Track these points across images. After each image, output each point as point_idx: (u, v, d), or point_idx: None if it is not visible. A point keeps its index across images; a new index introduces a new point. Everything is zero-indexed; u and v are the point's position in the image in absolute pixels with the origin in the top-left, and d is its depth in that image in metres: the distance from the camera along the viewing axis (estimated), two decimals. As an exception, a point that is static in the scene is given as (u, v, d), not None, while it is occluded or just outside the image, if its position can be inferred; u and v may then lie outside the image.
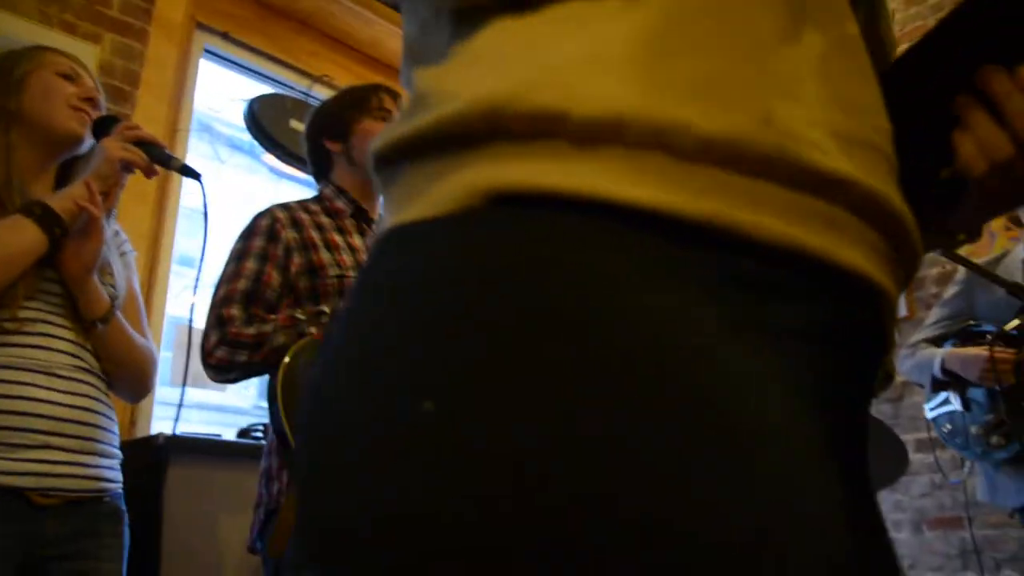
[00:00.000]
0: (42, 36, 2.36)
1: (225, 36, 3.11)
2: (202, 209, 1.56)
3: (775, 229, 0.39)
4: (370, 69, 3.48)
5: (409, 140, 0.46)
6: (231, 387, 2.99)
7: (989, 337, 2.04)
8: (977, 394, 2.14)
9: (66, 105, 1.41)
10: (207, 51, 3.10)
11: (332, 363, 0.43)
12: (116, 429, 1.46)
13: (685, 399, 0.36)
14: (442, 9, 0.49)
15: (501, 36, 0.45)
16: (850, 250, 0.41)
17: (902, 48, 0.57)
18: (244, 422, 2.38)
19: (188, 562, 1.85)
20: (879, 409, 3.14)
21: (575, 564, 0.33)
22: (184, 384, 1.58)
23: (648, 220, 0.38)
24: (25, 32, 2.34)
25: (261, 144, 3.03)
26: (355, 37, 3.50)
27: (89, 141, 1.46)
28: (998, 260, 2.19)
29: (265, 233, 1.67)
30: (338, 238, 1.72)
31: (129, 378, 1.47)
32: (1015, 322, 1.99)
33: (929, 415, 2.28)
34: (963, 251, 2.21)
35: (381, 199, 1.65)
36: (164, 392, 2.63)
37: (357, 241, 1.75)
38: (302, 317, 1.58)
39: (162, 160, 1.46)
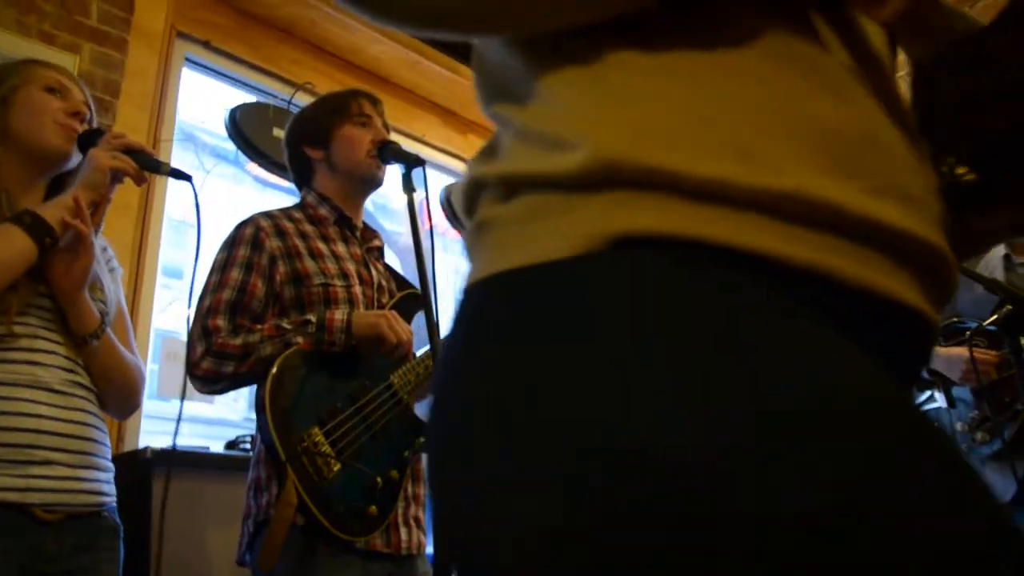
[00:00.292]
0: (20, 47, 2.34)
1: (206, 45, 3.09)
2: (189, 216, 1.56)
3: (861, 274, 0.46)
4: (352, 76, 3.48)
5: (519, 178, 0.49)
6: (220, 400, 2.97)
7: (968, 334, 2.07)
8: (962, 391, 2.16)
9: (52, 121, 1.41)
10: (188, 60, 3.08)
11: (470, 403, 0.45)
12: (109, 443, 1.47)
13: (894, 416, 0.39)
14: (535, 44, 0.52)
15: (613, 77, 0.48)
16: (910, 291, 0.48)
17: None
18: (232, 434, 2.36)
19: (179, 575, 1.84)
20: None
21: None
22: (183, 398, 1.57)
23: (756, 264, 0.44)
24: (2, 43, 2.32)
25: (245, 153, 3.01)
26: (336, 44, 3.49)
27: (77, 156, 1.45)
28: (979, 258, 2.21)
29: (249, 242, 1.66)
30: (322, 246, 1.71)
31: (119, 394, 1.47)
32: (993, 317, 2.02)
33: (915, 412, 2.30)
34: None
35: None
36: (150, 405, 2.61)
37: (341, 248, 1.74)
38: (288, 327, 1.57)
39: (151, 166, 1.46)
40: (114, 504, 1.44)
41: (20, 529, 1.24)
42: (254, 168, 3.20)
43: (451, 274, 3.98)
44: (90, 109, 1.50)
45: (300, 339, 1.55)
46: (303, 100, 3.13)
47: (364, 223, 1.87)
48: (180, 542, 1.77)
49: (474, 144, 4.17)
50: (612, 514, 0.37)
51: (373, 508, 1.51)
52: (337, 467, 1.48)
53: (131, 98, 2.63)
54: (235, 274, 1.63)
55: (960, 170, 0.56)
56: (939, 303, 0.51)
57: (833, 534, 0.34)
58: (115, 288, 1.53)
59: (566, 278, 0.44)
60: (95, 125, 1.51)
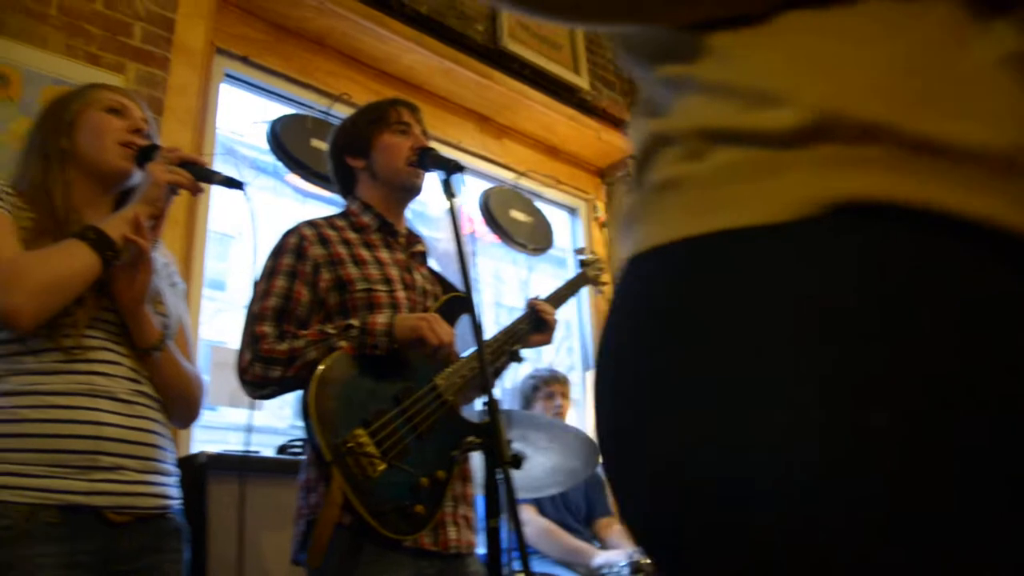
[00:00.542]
0: (69, 69, 2.42)
1: (244, 60, 3.16)
2: (231, 228, 1.60)
3: None
4: (387, 85, 3.52)
5: (718, 132, 0.45)
6: (268, 406, 3.02)
7: None
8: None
9: (114, 142, 1.49)
10: (227, 75, 3.15)
11: (687, 362, 0.43)
12: (173, 448, 1.53)
13: None
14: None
15: (808, 30, 0.45)
16: None
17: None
18: (280, 441, 2.40)
19: (233, 577, 1.88)
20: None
21: None
22: (252, 408, 1.63)
23: (974, 228, 0.40)
24: (53, 65, 2.40)
25: (285, 164, 3.07)
26: (370, 54, 3.53)
27: (139, 173, 1.52)
28: None
29: (293, 251, 1.71)
30: (365, 252, 1.75)
31: (180, 404, 1.53)
32: None
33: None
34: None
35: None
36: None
37: (384, 255, 1.78)
38: (332, 331, 1.61)
39: (205, 176, 1.51)
40: (180, 507, 1.50)
41: (94, 531, 1.30)
42: (293, 179, 3.26)
43: (490, 279, 4.00)
44: (149, 124, 1.57)
45: (343, 343, 1.59)
46: (341, 111, 3.18)
47: (408, 229, 1.90)
48: (235, 544, 1.81)
49: (509, 148, 4.18)
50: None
51: (419, 507, 1.53)
52: (382, 467, 1.51)
53: (174, 114, 2.69)
54: (280, 282, 1.68)
55: None
56: None
57: None
58: (178, 303, 1.59)
59: (781, 244, 0.42)
60: (155, 140, 1.57)
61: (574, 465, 2.43)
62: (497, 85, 3.87)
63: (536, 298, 1.94)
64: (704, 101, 0.47)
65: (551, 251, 4.21)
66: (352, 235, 1.78)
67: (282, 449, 2.26)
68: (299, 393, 1.58)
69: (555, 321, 1.91)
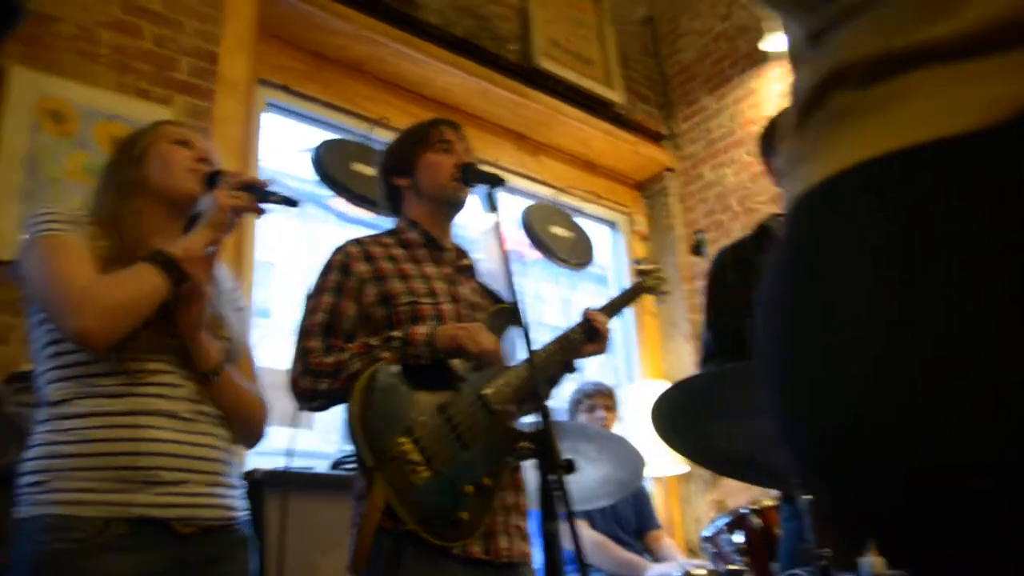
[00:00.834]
0: (120, 104, 2.51)
1: (285, 89, 3.24)
2: (273, 256, 1.65)
3: None
4: (424, 107, 3.58)
5: (897, 52, 0.43)
6: (318, 428, 3.06)
7: None
8: None
9: (183, 169, 1.56)
10: (269, 104, 3.23)
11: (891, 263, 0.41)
12: (236, 463, 1.57)
13: None
14: None
15: None
16: None
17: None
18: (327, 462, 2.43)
19: (291, 593, 1.91)
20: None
21: None
22: (294, 426, 1.67)
23: None
24: (105, 101, 2.50)
25: (329, 188, 3.13)
26: (407, 78, 3.60)
27: (206, 199, 1.58)
28: None
29: (339, 268, 1.76)
30: (411, 267, 1.79)
31: (243, 426, 1.58)
32: None
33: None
34: None
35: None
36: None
37: (430, 269, 1.81)
38: (375, 343, 1.64)
39: (266, 197, 1.56)
40: (245, 518, 1.55)
41: (163, 542, 1.36)
42: (335, 204, 3.32)
43: (531, 298, 4.02)
44: (212, 154, 1.64)
45: (386, 354, 1.62)
46: (380, 135, 3.24)
47: (455, 243, 1.93)
48: (292, 557, 1.84)
49: (547, 165, 4.21)
50: None
51: (464, 514, 1.54)
52: (427, 474, 1.52)
53: (220, 143, 2.76)
54: (327, 298, 1.73)
55: None
56: None
57: None
58: (241, 326, 1.64)
59: (978, 153, 0.39)
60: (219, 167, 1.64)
61: (623, 476, 2.42)
62: (532, 103, 3.91)
63: (591, 308, 1.95)
64: (874, 24, 0.45)
65: (592, 269, 4.21)
66: (399, 251, 1.82)
67: (336, 464, 2.28)
68: (345, 407, 1.60)
69: (608, 331, 1.92)
